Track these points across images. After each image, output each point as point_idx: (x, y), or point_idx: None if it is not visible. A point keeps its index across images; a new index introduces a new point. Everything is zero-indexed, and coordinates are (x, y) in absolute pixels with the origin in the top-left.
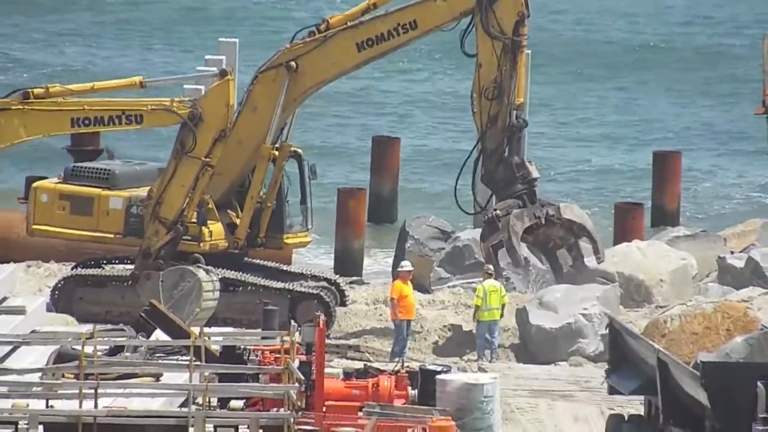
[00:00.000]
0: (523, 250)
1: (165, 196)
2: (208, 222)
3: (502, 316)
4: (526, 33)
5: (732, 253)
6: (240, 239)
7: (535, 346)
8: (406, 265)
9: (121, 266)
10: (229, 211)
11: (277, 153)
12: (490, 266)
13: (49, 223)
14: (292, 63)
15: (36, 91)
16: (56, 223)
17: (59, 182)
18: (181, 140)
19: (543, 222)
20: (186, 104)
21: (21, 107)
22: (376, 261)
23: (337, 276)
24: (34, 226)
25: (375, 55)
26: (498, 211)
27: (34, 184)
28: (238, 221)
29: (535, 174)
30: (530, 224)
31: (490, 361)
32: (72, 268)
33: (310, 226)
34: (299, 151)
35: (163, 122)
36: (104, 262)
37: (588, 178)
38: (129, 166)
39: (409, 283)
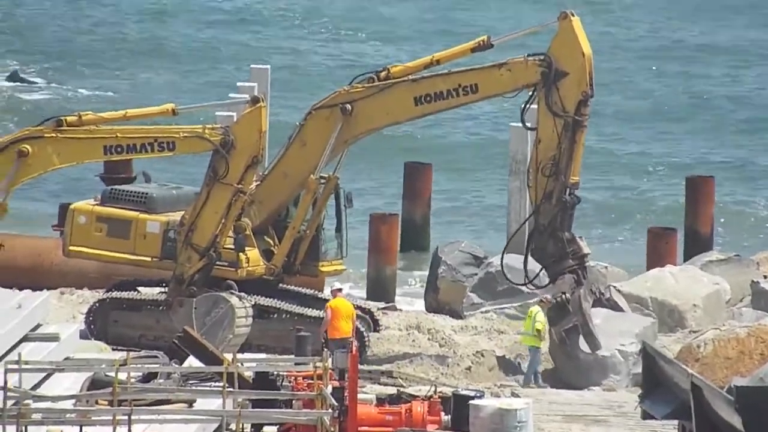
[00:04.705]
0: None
1: (198, 222)
2: (246, 248)
3: (542, 340)
4: (588, 113)
5: (765, 277)
6: (276, 266)
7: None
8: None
9: (156, 290)
10: (265, 237)
11: (323, 185)
12: (548, 296)
13: (85, 244)
14: (348, 106)
15: (69, 119)
16: (93, 245)
17: (96, 204)
18: (213, 167)
19: (597, 296)
20: (218, 131)
21: (54, 135)
22: (409, 287)
23: (371, 303)
24: (70, 248)
25: (431, 111)
26: (567, 294)
27: (72, 206)
28: (274, 248)
29: (586, 250)
30: (592, 302)
31: (526, 386)
32: (105, 291)
33: (345, 255)
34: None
35: (196, 149)
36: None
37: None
38: (166, 190)
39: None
